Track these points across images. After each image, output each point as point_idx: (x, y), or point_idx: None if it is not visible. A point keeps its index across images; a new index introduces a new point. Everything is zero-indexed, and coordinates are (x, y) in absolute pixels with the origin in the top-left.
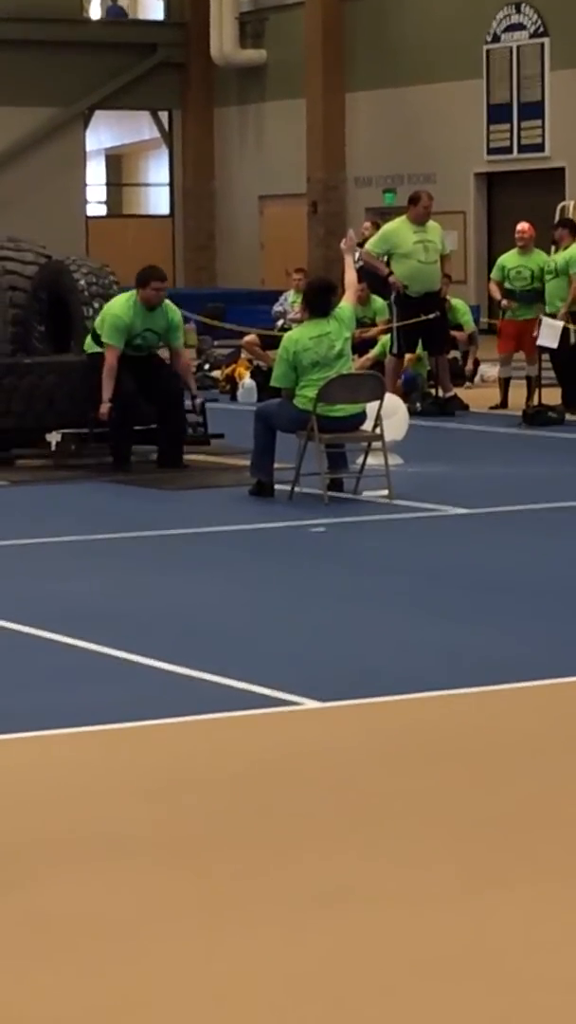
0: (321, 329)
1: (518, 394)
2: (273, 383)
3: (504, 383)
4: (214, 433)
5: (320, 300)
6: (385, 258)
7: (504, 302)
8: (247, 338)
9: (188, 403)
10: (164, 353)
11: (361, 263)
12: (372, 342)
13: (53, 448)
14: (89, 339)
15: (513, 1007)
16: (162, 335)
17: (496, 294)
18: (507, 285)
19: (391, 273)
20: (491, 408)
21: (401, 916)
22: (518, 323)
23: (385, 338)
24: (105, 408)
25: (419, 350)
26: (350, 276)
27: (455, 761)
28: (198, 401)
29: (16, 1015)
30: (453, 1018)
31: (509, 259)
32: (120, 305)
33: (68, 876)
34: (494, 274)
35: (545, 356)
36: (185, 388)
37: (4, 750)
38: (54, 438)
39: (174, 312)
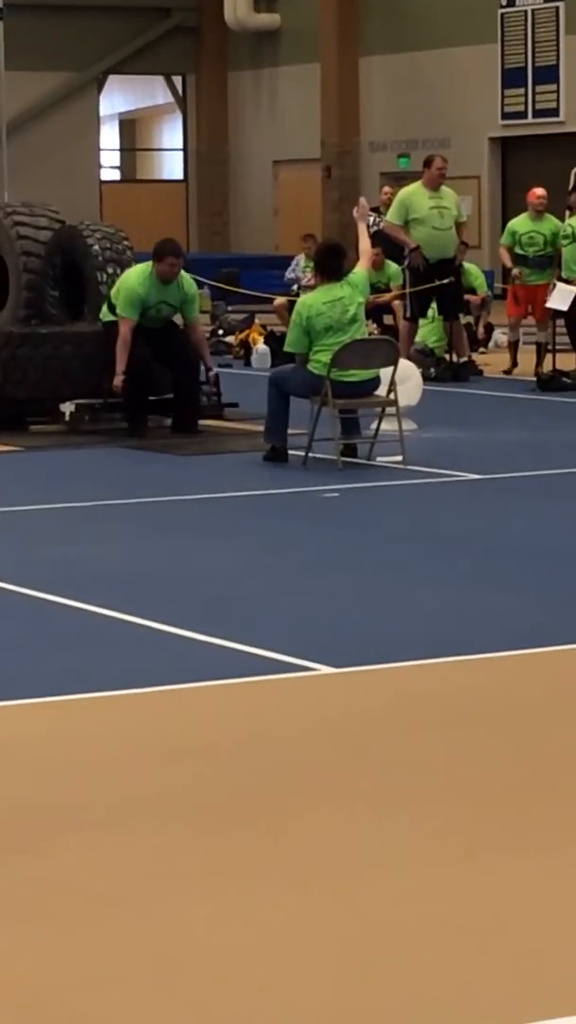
0: (334, 294)
1: (528, 359)
2: (287, 348)
3: (514, 346)
4: (228, 402)
5: (331, 262)
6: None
7: (516, 271)
8: (278, 301)
9: (203, 376)
10: (178, 318)
11: (375, 228)
12: (386, 307)
13: (67, 419)
14: (104, 308)
15: (525, 972)
16: (177, 307)
17: (507, 260)
18: (519, 251)
19: (417, 247)
20: (504, 372)
21: (414, 880)
22: (530, 288)
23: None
24: (119, 380)
25: (434, 315)
26: (364, 243)
27: (469, 727)
28: (212, 373)
29: (32, 979)
30: (464, 981)
31: (520, 224)
32: (135, 277)
33: (83, 841)
34: (504, 239)
35: (560, 321)
36: (201, 361)
37: (20, 716)
38: (68, 408)
39: (190, 285)
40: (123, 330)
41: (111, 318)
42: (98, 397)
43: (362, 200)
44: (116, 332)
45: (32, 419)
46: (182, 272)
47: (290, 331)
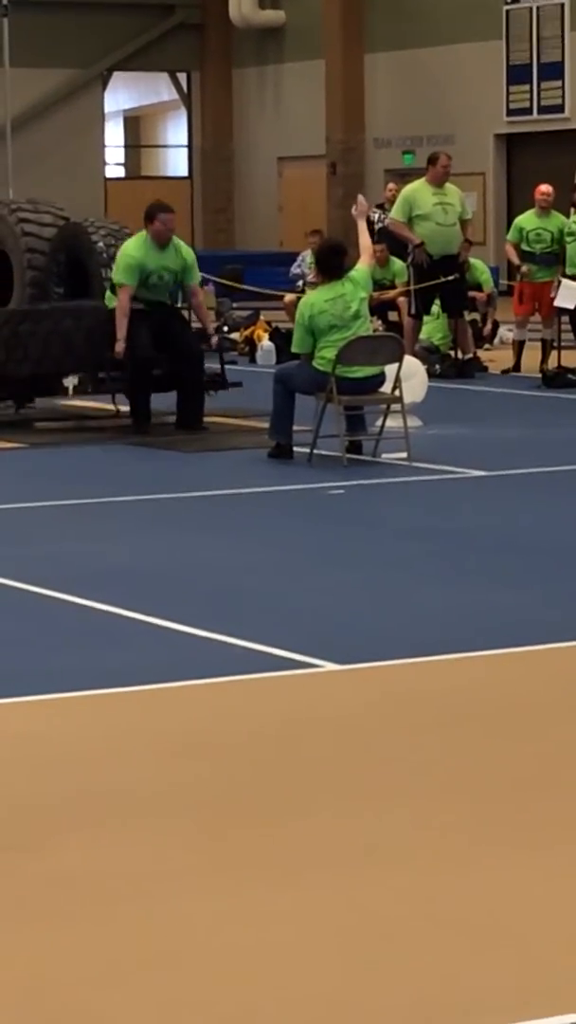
0: (336, 291)
1: (532, 356)
2: (293, 349)
3: (518, 346)
4: (233, 381)
5: (332, 262)
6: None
7: (524, 268)
8: (288, 298)
9: (206, 347)
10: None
11: (380, 225)
12: (391, 304)
13: (70, 392)
14: (108, 293)
15: (525, 968)
16: (178, 273)
17: (513, 257)
18: (525, 247)
19: (421, 243)
20: (503, 372)
21: (417, 877)
22: (536, 285)
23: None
24: (120, 347)
25: (438, 312)
26: (364, 240)
27: (474, 724)
28: (215, 340)
29: (33, 976)
30: (465, 979)
31: (527, 221)
32: (131, 245)
33: (88, 837)
34: (510, 236)
35: (564, 318)
36: (201, 327)
37: (22, 712)
38: (71, 382)
39: (188, 251)
40: (122, 297)
41: (116, 302)
42: (100, 370)
43: (360, 198)
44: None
45: (38, 397)
46: (178, 240)
47: (295, 331)
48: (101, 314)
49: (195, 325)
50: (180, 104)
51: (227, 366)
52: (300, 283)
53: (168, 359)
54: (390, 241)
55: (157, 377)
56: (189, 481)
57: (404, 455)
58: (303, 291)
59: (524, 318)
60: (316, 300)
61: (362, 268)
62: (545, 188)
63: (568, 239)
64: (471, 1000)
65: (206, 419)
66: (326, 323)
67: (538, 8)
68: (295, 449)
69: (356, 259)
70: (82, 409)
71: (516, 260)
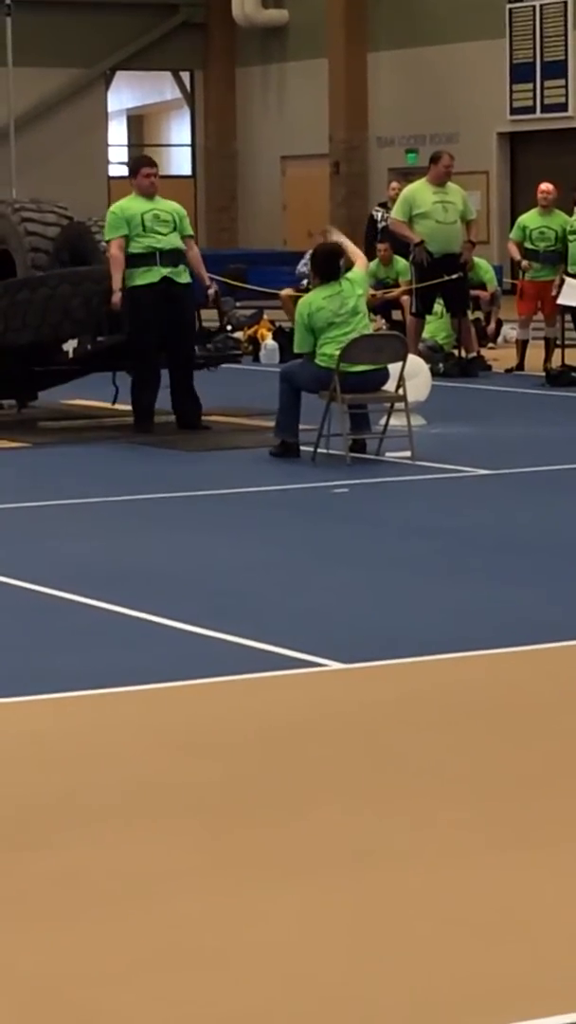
0: (334, 290)
1: (536, 355)
2: (295, 350)
3: (521, 345)
4: (233, 353)
5: (327, 265)
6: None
7: (524, 263)
8: (284, 292)
9: (203, 299)
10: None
11: (384, 224)
12: (395, 303)
13: (70, 356)
14: None
15: (530, 967)
16: (172, 219)
17: (516, 255)
18: (529, 246)
19: (422, 242)
20: (507, 371)
21: (422, 875)
22: (539, 284)
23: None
24: (116, 298)
25: (442, 311)
26: (352, 249)
27: (478, 722)
28: (212, 291)
29: (38, 974)
30: (470, 977)
31: (530, 219)
32: (119, 203)
33: (92, 835)
34: (514, 234)
35: (568, 317)
36: (198, 279)
37: (27, 712)
38: (70, 346)
39: (177, 205)
40: (113, 249)
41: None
42: (100, 333)
43: (327, 227)
44: (124, 297)
45: (37, 368)
46: (167, 201)
47: (295, 333)
48: (99, 277)
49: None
50: (183, 103)
51: (229, 365)
52: (305, 282)
53: (164, 340)
54: (393, 240)
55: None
56: (192, 480)
57: (408, 454)
58: (306, 289)
59: (527, 317)
60: (314, 299)
61: (358, 271)
62: (546, 187)
63: (571, 237)
64: (476, 999)
65: (208, 418)
66: (325, 320)
67: (541, 6)
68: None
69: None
70: (85, 408)
71: (518, 258)
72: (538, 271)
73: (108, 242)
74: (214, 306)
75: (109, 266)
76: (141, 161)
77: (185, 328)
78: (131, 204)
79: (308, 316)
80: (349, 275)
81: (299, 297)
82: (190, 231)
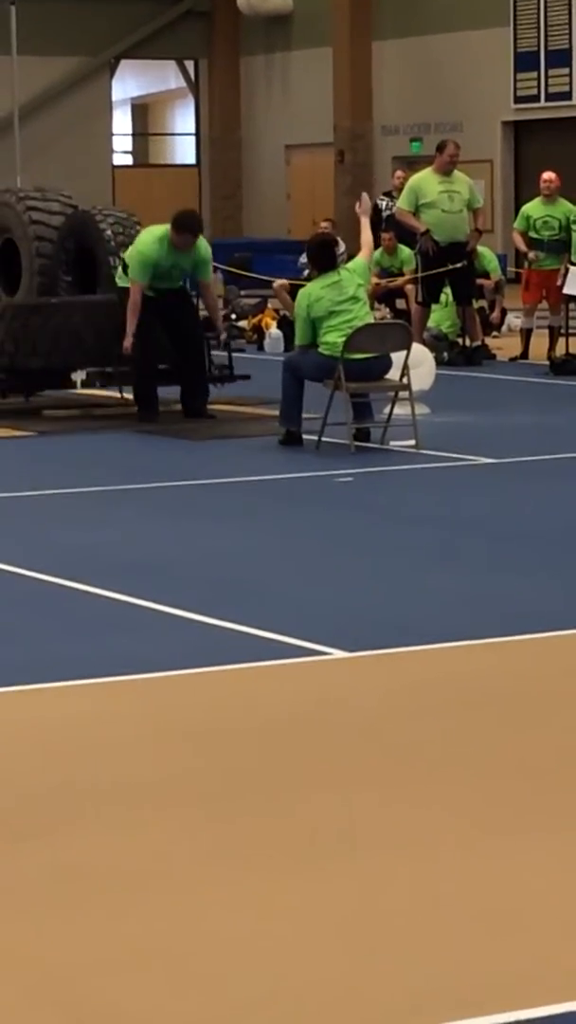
0: (331, 279)
1: (540, 344)
2: (297, 343)
3: (526, 334)
4: (241, 374)
5: (322, 255)
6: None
7: (532, 254)
8: (278, 282)
9: (214, 341)
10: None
11: (388, 213)
12: (399, 292)
13: (78, 387)
14: (120, 271)
15: (534, 955)
16: (190, 270)
17: (521, 245)
18: (533, 235)
19: (427, 231)
20: (511, 359)
21: (424, 864)
22: (543, 272)
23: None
24: (128, 342)
25: (447, 300)
26: (366, 236)
27: (483, 711)
28: (223, 336)
29: (44, 964)
30: (473, 965)
31: (534, 208)
32: (149, 243)
33: (94, 825)
34: (518, 223)
35: (572, 305)
36: (212, 323)
37: (33, 701)
38: (79, 376)
39: (205, 248)
40: (133, 294)
41: (126, 283)
42: (110, 365)
43: (364, 195)
44: (127, 298)
45: (47, 392)
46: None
47: (296, 325)
48: (112, 309)
49: (203, 314)
50: (188, 92)
51: (235, 354)
52: (306, 272)
53: (171, 342)
54: (398, 229)
55: (164, 370)
56: (198, 469)
57: (412, 443)
58: (309, 278)
59: (532, 306)
60: (312, 289)
61: (360, 260)
62: (548, 175)
63: (575, 226)
64: (478, 986)
65: (215, 407)
66: (325, 309)
67: None
68: (304, 436)
69: (357, 251)
70: (91, 397)
71: (523, 248)
72: (543, 260)
73: (131, 280)
74: (224, 347)
75: (115, 273)
76: (188, 224)
77: (187, 321)
78: (159, 253)
79: (308, 307)
80: (349, 265)
81: (293, 287)
82: (209, 275)
